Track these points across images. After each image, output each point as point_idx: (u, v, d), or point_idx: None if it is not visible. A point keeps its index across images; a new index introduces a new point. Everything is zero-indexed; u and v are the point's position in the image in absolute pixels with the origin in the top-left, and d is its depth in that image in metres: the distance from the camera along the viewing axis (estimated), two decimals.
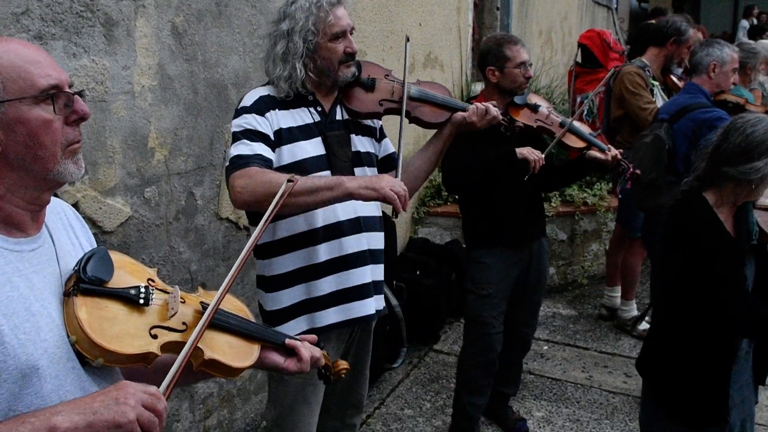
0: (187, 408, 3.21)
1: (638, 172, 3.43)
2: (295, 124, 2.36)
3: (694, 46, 3.93)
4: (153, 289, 1.51)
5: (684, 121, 3.70)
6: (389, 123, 2.66)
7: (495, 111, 2.56)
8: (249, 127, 2.29)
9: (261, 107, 2.33)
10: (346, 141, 2.45)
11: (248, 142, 2.26)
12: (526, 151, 3.15)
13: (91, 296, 1.37)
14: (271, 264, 2.42)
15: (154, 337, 1.43)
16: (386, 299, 4.35)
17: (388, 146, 2.65)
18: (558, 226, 5.43)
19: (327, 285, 2.40)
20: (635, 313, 4.92)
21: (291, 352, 1.75)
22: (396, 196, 2.15)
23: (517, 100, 3.41)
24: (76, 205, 2.46)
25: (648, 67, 4.67)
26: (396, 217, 2.28)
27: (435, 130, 2.61)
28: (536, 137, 3.43)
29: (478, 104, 2.55)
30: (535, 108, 3.39)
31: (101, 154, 2.60)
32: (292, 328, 2.38)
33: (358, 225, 2.42)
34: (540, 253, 3.57)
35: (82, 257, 1.40)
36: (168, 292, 1.55)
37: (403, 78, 2.55)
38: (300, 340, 1.77)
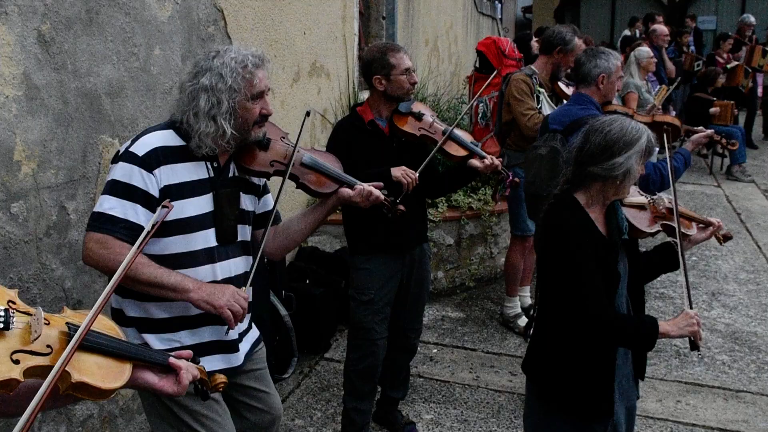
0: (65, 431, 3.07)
1: (516, 180, 3.57)
2: (188, 179, 2.31)
3: (580, 56, 4.02)
4: (14, 312, 1.45)
5: (578, 133, 3.82)
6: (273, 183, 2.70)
7: (378, 193, 2.67)
8: (130, 183, 2.22)
9: (151, 162, 2.24)
10: (236, 198, 2.44)
11: (124, 201, 2.20)
12: (400, 174, 3.23)
13: None
14: (132, 305, 2.37)
15: (16, 362, 1.38)
16: (275, 309, 4.35)
17: (268, 203, 2.66)
18: (445, 231, 5.55)
19: (198, 336, 2.40)
20: (518, 310, 5.12)
21: (167, 370, 1.71)
22: (231, 316, 2.25)
23: (402, 108, 3.48)
24: None
25: (536, 75, 4.86)
26: (226, 332, 2.37)
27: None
28: (420, 145, 3.50)
29: (364, 186, 2.64)
30: (419, 116, 3.47)
31: None
32: None
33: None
34: (422, 258, 3.64)
35: None
36: (30, 314, 1.49)
37: (295, 144, 2.56)
38: (178, 358, 1.74)
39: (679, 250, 2.62)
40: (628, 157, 2.38)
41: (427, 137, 3.43)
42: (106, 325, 1.66)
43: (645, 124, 4.23)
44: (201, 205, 2.33)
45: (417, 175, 3.25)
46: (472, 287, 5.77)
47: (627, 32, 11.53)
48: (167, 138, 2.31)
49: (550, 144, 3.80)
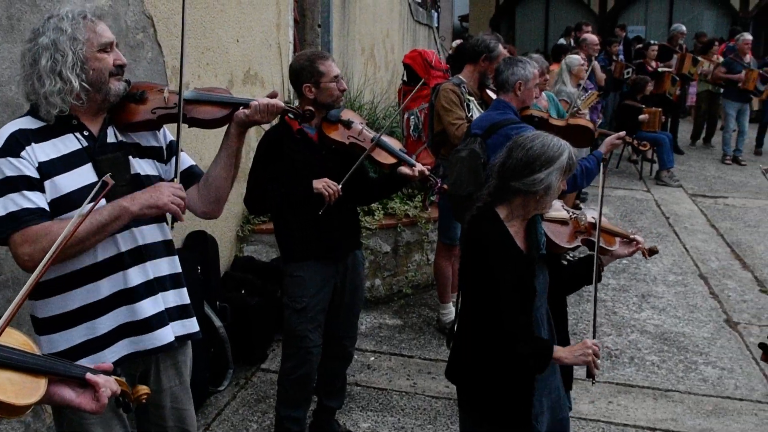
0: None
1: (445, 187, 3.62)
2: (57, 155, 2.18)
3: (499, 64, 4.16)
4: None
5: (496, 136, 3.91)
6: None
7: (278, 102, 2.47)
8: (8, 174, 2.10)
9: (14, 147, 2.12)
10: (123, 164, 2.31)
11: (11, 195, 2.08)
12: (322, 186, 3.25)
13: None
14: (47, 304, 2.24)
15: None
16: (209, 321, 4.28)
17: (186, 160, 2.54)
18: (382, 238, 5.56)
19: (111, 320, 2.27)
20: (453, 315, 5.16)
21: (85, 385, 1.66)
22: (177, 208, 2.22)
23: (332, 116, 3.48)
24: None
25: (464, 84, 4.91)
26: (172, 227, 2.35)
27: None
28: (350, 153, 3.51)
29: (260, 99, 2.45)
30: (348, 124, 3.47)
31: None
32: None
33: (140, 255, 2.31)
34: (355, 265, 3.65)
35: None
36: None
37: (179, 84, 2.42)
38: (97, 372, 1.69)
39: (594, 270, 2.68)
40: (549, 173, 2.43)
41: (357, 145, 3.43)
42: (18, 340, 1.61)
43: (559, 127, 4.38)
44: (81, 177, 2.20)
45: (339, 186, 3.26)
46: (410, 294, 5.79)
47: (562, 41, 11.78)
48: (25, 123, 2.21)
49: (470, 147, 3.93)
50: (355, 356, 4.75)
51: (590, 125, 4.50)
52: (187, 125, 2.44)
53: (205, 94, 2.50)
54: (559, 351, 2.44)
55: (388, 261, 5.65)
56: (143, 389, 1.87)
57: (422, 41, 14.27)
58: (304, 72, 3.40)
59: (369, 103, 7.56)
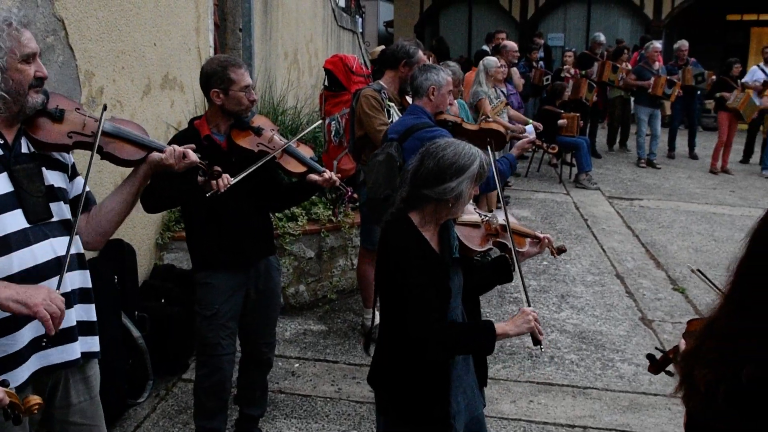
0: None
1: (356, 195, 3.63)
2: None
3: (414, 70, 4.22)
4: None
5: (411, 140, 3.96)
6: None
7: (193, 156, 2.55)
8: None
9: None
10: (37, 175, 2.25)
11: None
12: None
13: None
14: None
15: None
16: (128, 331, 4.17)
17: (79, 186, 2.47)
18: (305, 244, 5.53)
19: (24, 336, 2.18)
20: (377, 320, 5.16)
21: None
22: (49, 317, 2.02)
23: (241, 123, 3.44)
24: None
25: (384, 89, 4.93)
26: (44, 342, 2.15)
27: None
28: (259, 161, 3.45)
29: (176, 147, 2.51)
30: (258, 131, 3.44)
31: None
32: None
33: (56, 267, 2.23)
34: (268, 271, 3.62)
35: None
36: None
37: (101, 114, 2.41)
38: None
39: (515, 263, 2.76)
40: (460, 182, 2.46)
41: (266, 153, 3.39)
42: None
43: (472, 131, 4.47)
44: None
45: (231, 179, 3.10)
46: (335, 299, 5.78)
47: (485, 47, 12.00)
48: None
49: (387, 151, 3.99)
50: (279, 363, 4.72)
51: (502, 129, 4.60)
52: (99, 156, 2.42)
53: (125, 130, 2.49)
54: (501, 325, 2.50)
55: (312, 266, 5.63)
56: (35, 399, 1.81)
57: (347, 46, 14.29)
58: (215, 77, 3.35)
59: (292, 108, 7.52)
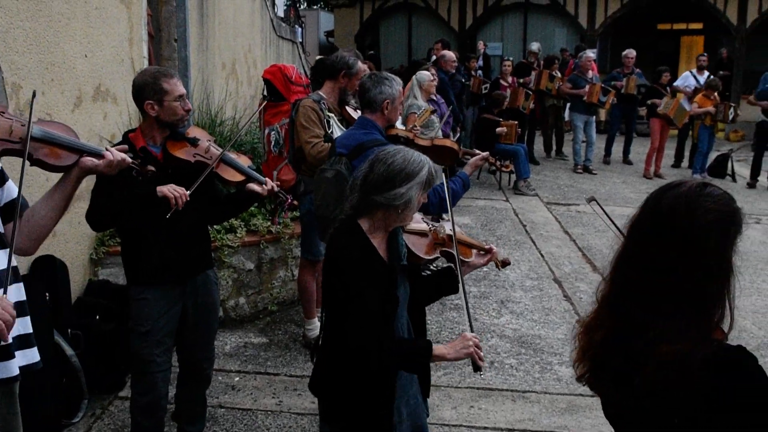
0: None
1: (296, 203, 3.62)
2: None
3: (365, 81, 4.10)
4: None
5: (362, 157, 3.90)
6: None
7: (123, 155, 2.52)
8: None
9: None
10: None
11: None
12: (167, 189, 3.14)
13: None
14: None
15: None
16: (61, 350, 4.07)
17: (12, 191, 2.42)
18: (244, 255, 5.49)
19: None
20: (318, 331, 5.15)
21: None
22: (3, 325, 1.96)
23: (177, 134, 3.40)
24: None
25: (324, 100, 4.93)
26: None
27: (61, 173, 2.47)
28: (197, 172, 3.42)
29: (115, 153, 2.48)
30: (194, 142, 3.41)
31: None
32: None
33: None
34: (206, 285, 3.58)
35: None
36: None
37: (29, 119, 2.35)
38: None
39: (459, 276, 2.77)
40: (410, 188, 2.49)
41: (203, 163, 3.37)
42: None
43: (424, 147, 4.47)
44: None
45: (187, 192, 3.16)
46: (275, 311, 5.74)
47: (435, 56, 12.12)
48: None
49: (336, 168, 3.84)
50: (219, 377, 4.67)
51: (455, 146, 4.62)
52: (29, 163, 2.35)
53: (54, 134, 2.42)
54: (439, 348, 2.49)
55: (251, 278, 5.58)
56: None
57: (286, 56, 14.25)
58: (147, 88, 3.30)
59: (231, 119, 7.46)
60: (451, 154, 4.51)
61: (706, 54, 13.42)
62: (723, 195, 1.72)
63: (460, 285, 2.77)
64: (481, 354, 2.53)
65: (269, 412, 4.33)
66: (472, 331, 2.60)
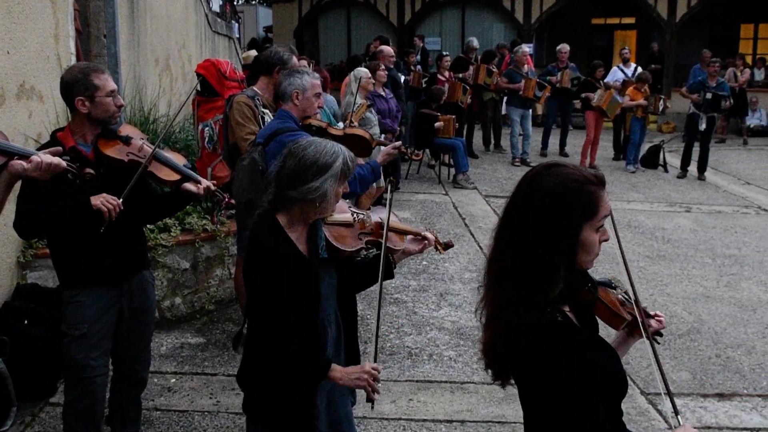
0: None
1: (233, 201, 3.58)
2: None
3: (281, 75, 4.18)
4: None
5: (274, 143, 3.94)
6: None
7: (57, 160, 2.45)
8: None
9: None
10: None
11: None
12: (100, 202, 3.07)
13: None
14: None
15: None
16: None
17: None
18: (179, 255, 5.40)
19: None
20: None
21: None
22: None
23: (109, 132, 3.32)
24: None
25: (258, 96, 4.87)
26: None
27: None
28: (130, 171, 3.35)
29: (43, 156, 2.39)
30: (126, 140, 3.32)
31: None
32: None
33: None
34: (142, 286, 3.51)
35: None
36: None
37: None
38: None
39: (383, 264, 2.72)
40: (324, 181, 2.45)
41: (137, 162, 3.29)
42: None
43: (337, 136, 4.50)
44: None
45: (120, 201, 3.11)
46: (213, 310, 5.66)
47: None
48: None
49: (251, 155, 3.98)
50: (155, 380, 4.58)
51: (367, 135, 4.63)
52: None
53: None
54: (336, 371, 2.47)
55: (187, 278, 5.49)
56: None
57: (222, 52, 14.07)
58: (77, 85, 3.21)
59: (165, 116, 7.33)
60: (363, 143, 4.53)
61: (627, 47, 13.80)
62: (564, 174, 1.78)
63: (377, 309, 2.72)
64: (377, 386, 2.49)
65: (206, 413, 4.27)
66: (375, 361, 2.56)
